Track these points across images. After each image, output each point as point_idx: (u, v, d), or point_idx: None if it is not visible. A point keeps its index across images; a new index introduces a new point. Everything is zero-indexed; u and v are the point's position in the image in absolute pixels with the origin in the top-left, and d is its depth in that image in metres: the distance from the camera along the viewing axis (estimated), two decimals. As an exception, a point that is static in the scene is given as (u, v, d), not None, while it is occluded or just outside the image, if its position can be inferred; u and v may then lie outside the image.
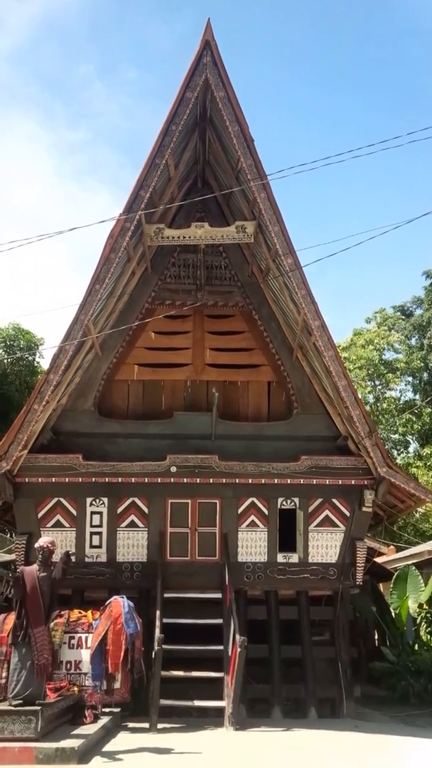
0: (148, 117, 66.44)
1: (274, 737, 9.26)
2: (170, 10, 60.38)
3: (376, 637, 15.85)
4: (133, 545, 11.28)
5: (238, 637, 9.24)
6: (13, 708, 7.61)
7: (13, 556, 12.97)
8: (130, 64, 63.68)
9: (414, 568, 14.74)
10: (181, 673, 10.04)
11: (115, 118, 64.67)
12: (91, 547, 11.25)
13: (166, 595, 10.48)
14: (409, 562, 15.71)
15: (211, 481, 11.31)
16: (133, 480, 11.24)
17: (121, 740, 8.63)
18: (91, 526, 11.31)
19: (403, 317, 33.97)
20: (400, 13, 54.68)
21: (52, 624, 9.01)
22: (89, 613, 9.80)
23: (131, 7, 57.64)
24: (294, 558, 11.36)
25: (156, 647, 9.49)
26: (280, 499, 11.49)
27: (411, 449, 30.34)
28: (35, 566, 8.39)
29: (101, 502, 11.37)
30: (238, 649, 9.11)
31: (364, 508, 11.29)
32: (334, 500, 11.47)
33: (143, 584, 11.06)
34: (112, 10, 59.04)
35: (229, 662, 9.71)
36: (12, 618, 8.37)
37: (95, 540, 11.28)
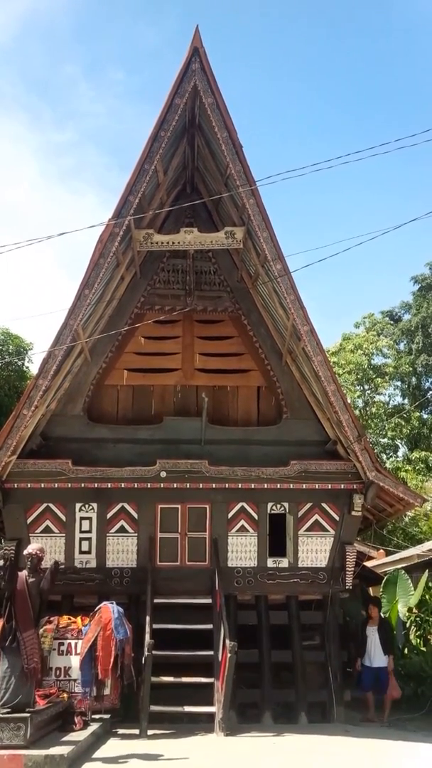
0: (136, 118, 66.45)
1: (264, 742, 9.25)
2: (158, 10, 60.55)
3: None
4: (122, 551, 11.26)
5: (228, 642, 9.23)
6: (1, 715, 7.58)
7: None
8: (117, 64, 63.77)
9: (403, 572, 14.79)
10: (171, 679, 10.01)
11: (101, 120, 64.71)
12: (81, 552, 11.21)
13: (156, 601, 10.46)
14: (399, 566, 15.74)
15: (200, 486, 11.31)
16: (122, 485, 11.22)
17: (111, 747, 8.61)
18: (81, 531, 11.27)
19: (392, 322, 34.27)
20: (394, 14, 55.11)
21: (41, 630, 8.98)
22: (79, 619, 9.76)
23: (118, 6, 57.76)
24: (284, 563, 11.37)
25: (146, 653, 9.46)
26: (269, 504, 11.50)
27: (400, 453, 30.50)
28: (25, 572, 8.35)
29: (91, 507, 11.35)
30: (228, 654, 9.10)
31: (353, 513, 11.32)
32: (324, 504, 11.49)
33: (133, 590, 11.03)
34: (99, 9, 59.15)
35: (220, 667, 9.70)
36: (0, 622, 8.33)
37: (84, 546, 11.24)
